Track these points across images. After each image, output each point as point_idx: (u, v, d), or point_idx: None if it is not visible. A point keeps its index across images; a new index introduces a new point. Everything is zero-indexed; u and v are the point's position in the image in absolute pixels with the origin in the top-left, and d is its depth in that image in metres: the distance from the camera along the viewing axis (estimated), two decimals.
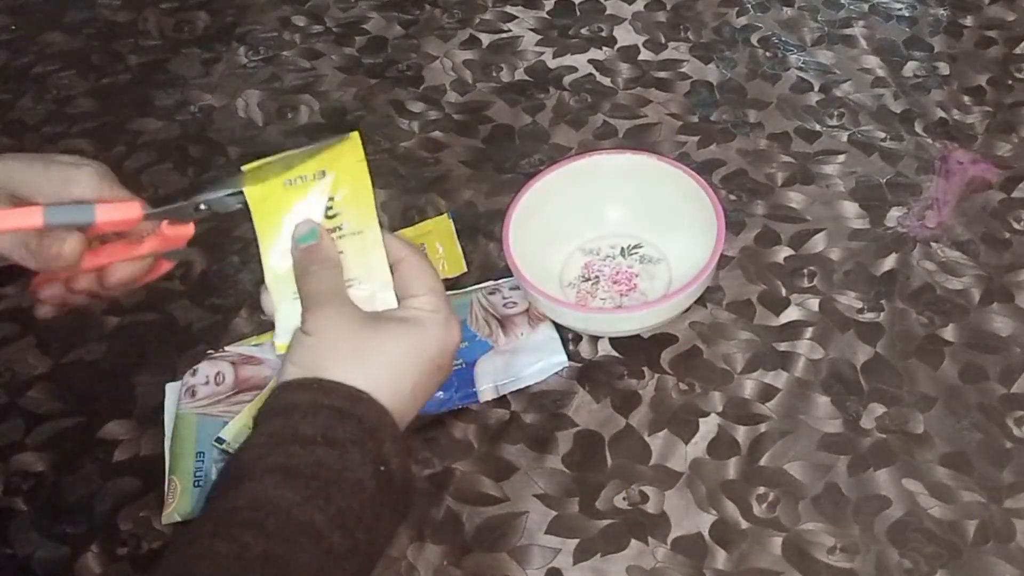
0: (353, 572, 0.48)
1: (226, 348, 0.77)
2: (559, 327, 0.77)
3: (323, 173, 0.54)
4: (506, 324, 0.77)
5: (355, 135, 0.56)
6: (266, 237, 0.55)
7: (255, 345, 0.77)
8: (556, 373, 0.75)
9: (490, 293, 0.79)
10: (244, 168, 0.56)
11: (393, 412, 0.51)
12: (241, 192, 0.55)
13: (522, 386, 0.75)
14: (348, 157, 0.55)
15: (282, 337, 0.54)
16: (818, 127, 0.92)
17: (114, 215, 0.55)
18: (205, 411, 0.73)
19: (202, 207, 0.56)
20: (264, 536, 0.45)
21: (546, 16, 1.05)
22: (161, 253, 0.59)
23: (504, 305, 0.78)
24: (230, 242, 0.85)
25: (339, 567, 0.47)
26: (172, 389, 0.75)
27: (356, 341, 0.52)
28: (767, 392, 0.74)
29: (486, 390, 0.74)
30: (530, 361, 0.75)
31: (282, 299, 0.54)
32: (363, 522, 0.48)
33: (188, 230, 0.58)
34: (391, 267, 0.55)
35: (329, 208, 0.55)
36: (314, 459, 0.48)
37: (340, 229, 0.54)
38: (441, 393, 0.73)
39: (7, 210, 0.53)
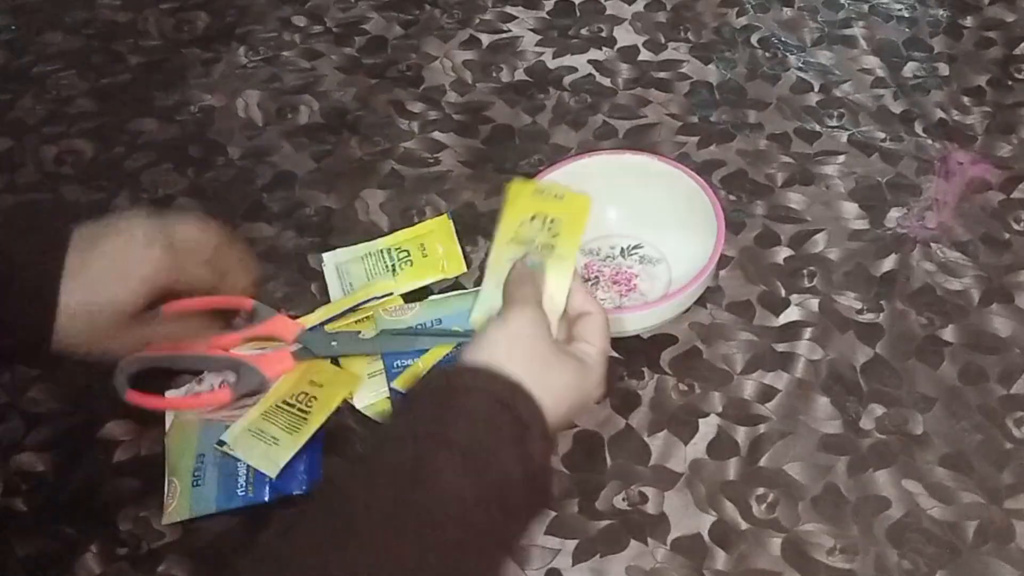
0: (488, 553, 0.50)
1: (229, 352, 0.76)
2: None
3: (561, 196, 0.67)
4: None
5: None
6: (506, 228, 0.66)
7: (259, 350, 0.76)
8: None
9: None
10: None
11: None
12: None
13: None
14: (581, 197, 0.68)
15: (477, 311, 0.64)
16: (818, 128, 0.92)
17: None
18: (208, 416, 0.73)
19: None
20: (421, 489, 0.48)
21: (546, 16, 1.05)
22: None
23: None
24: None
25: (478, 543, 0.49)
26: (173, 394, 0.75)
27: (540, 350, 0.57)
28: (767, 393, 0.74)
29: None
30: None
31: (490, 281, 0.64)
32: (506, 506, 0.50)
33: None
34: (578, 316, 0.62)
35: (552, 223, 0.66)
36: (472, 437, 0.51)
37: (552, 246, 0.64)
38: None
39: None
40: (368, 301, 0.78)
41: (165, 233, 0.64)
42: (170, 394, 0.74)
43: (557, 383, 0.55)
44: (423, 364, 0.74)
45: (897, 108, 0.94)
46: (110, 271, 0.61)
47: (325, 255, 0.83)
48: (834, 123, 0.93)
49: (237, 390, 0.72)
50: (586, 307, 0.62)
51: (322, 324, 0.77)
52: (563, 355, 0.57)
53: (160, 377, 0.75)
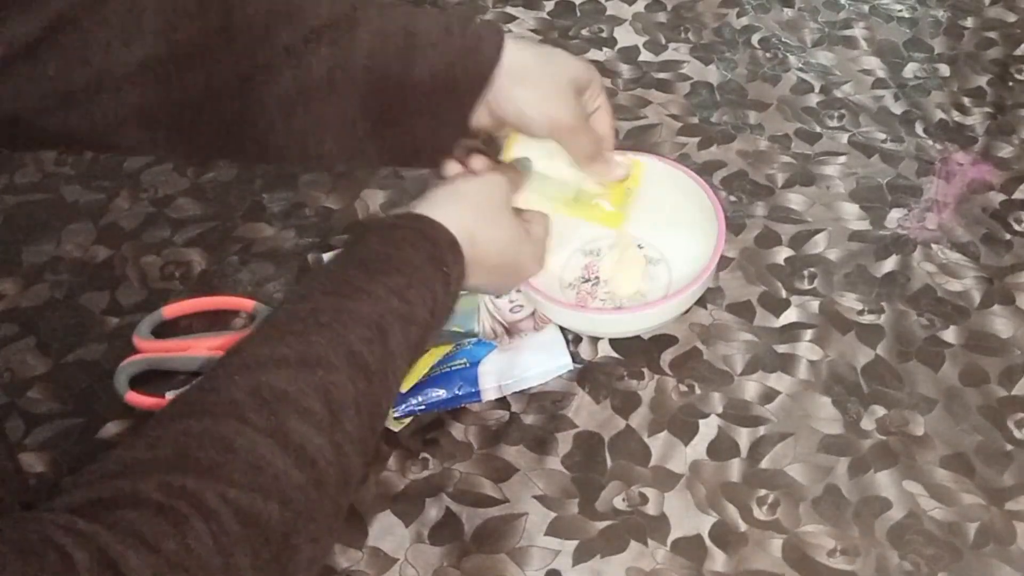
0: (403, 331, 0.55)
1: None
2: (560, 328, 0.77)
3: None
4: (512, 331, 0.77)
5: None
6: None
7: None
8: (558, 375, 0.75)
9: (496, 296, 0.79)
10: None
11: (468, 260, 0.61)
12: None
13: (526, 387, 0.75)
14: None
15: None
16: (818, 128, 0.92)
17: None
18: None
19: None
20: (336, 297, 0.55)
21: (546, 17, 1.05)
22: None
23: (511, 310, 0.78)
24: (230, 242, 0.85)
25: (392, 320, 0.55)
26: (173, 394, 0.75)
27: (484, 208, 0.64)
28: (767, 394, 0.74)
29: (489, 390, 0.74)
30: (534, 362, 0.75)
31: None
32: (414, 298, 0.56)
33: None
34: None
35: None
36: (385, 253, 0.58)
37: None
38: (443, 392, 0.73)
39: None
40: None
41: None
42: (170, 395, 0.74)
43: (492, 235, 0.63)
44: (423, 364, 0.74)
45: (898, 109, 0.94)
46: (552, 54, 0.65)
47: (325, 255, 0.83)
48: (835, 124, 0.93)
49: None
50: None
51: None
52: (508, 216, 0.65)
53: (160, 378, 0.76)
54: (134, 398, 0.73)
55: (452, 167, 0.67)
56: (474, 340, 0.76)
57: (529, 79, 0.63)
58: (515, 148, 0.69)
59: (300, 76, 0.59)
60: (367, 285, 0.55)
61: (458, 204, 0.63)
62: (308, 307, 0.54)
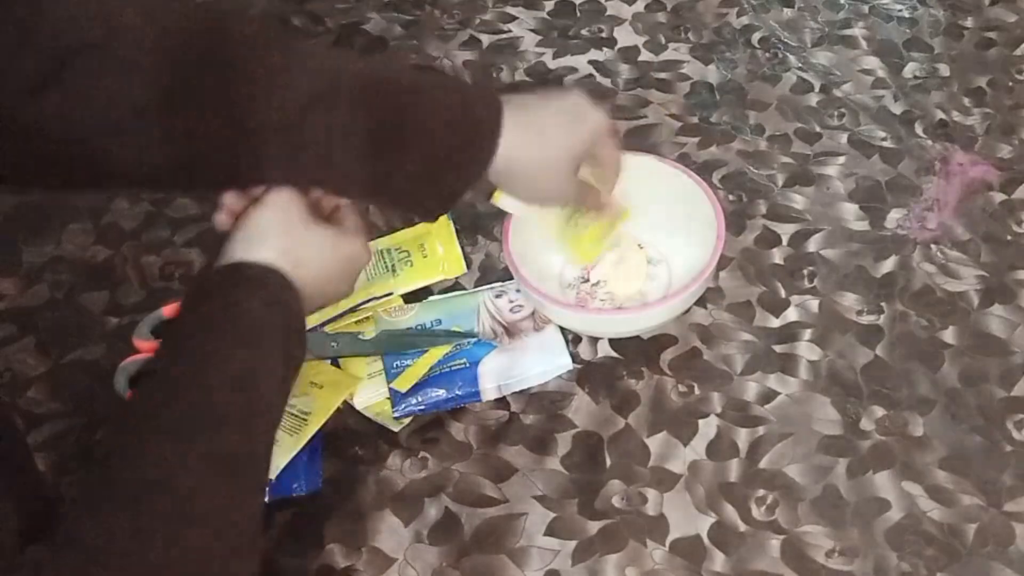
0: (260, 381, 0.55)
1: None
2: (560, 328, 0.77)
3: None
4: (512, 331, 0.77)
5: None
6: None
7: None
8: (558, 375, 0.75)
9: (496, 296, 0.79)
10: None
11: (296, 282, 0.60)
12: None
13: (525, 387, 0.75)
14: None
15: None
16: (818, 128, 0.92)
17: None
18: None
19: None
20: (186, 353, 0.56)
21: (546, 17, 1.05)
22: None
23: (511, 310, 0.78)
24: None
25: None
26: None
27: (290, 230, 0.61)
28: (766, 394, 0.74)
29: (489, 390, 0.74)
30: (534, 362, 0.75)
31: None
32: (257, 336, 0.56)
33: None
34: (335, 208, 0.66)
35: None
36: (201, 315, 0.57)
37: None
38: (443, 392, 0.73)
39: None
40: (368, 301, 0.78)
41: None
42: None
43: (310, 247, 0.61)
44: (422, 364, 0.74)
45: (897, 109, 0.94)
46: (550, 135, 0.64)
47: None
48: (834, 124, 0.93)
49: None
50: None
51: (322, 325, 0.77)
52: (314, 224, 0.62)
53: None
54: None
55: (222, 219, 0.64)
56: (474, 340, 0.76)
57: (525, 172, 0.65)
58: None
59: (294, 141, 0.58)
60: (210, 347, 0.55)
61: (264, 235, 0.60)
62: (165, 390, 0.55)
